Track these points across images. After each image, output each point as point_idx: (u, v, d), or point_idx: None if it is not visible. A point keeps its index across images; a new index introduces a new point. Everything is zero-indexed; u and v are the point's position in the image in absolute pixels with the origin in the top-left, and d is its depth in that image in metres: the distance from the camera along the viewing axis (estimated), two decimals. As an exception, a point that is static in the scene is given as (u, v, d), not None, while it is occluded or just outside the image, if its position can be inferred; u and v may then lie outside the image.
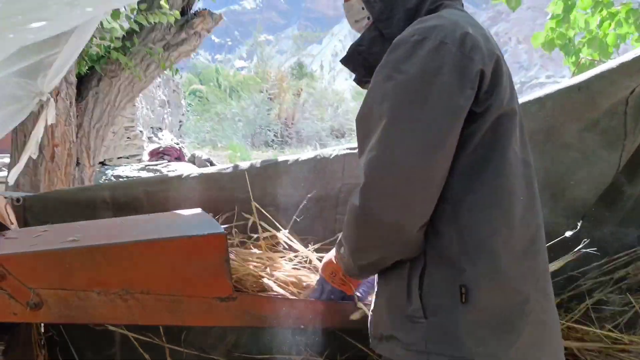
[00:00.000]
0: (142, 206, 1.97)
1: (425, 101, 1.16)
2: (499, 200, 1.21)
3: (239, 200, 1.99)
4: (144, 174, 4.88)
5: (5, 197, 1.88)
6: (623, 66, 2.05)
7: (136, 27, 3.96)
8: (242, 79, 20.09)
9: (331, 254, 1.57)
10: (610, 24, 2.73)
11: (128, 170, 4.87)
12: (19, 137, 3.94)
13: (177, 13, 3.97)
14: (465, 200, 1.21)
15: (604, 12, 2.73)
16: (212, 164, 5.50)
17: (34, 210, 1.93)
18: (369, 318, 1.44)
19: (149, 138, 7.21)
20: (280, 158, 2.08)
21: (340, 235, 1.45)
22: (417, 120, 1.16)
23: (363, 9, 1.37)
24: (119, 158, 6.05)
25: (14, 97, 3.59)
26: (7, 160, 6.89)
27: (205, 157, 5.57)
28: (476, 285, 1.18)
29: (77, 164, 4.11)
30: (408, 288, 1.25)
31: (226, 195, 1.99)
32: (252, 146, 16.47)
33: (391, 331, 1.30)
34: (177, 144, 8.90)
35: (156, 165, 5.07)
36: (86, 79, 4.14)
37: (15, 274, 1.37)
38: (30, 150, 3.76)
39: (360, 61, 1.40)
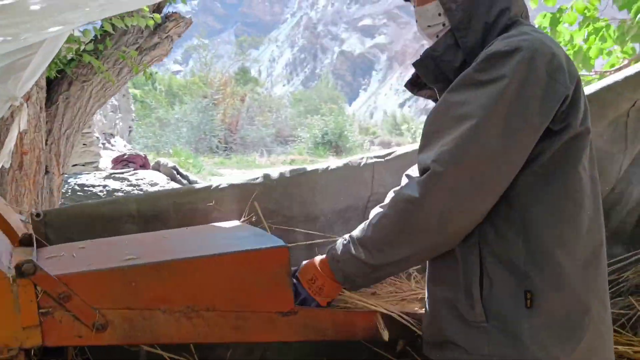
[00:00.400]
0: (170, 219, 1.89)
1: (508, 111, 1.21)
2: (568, 214, 1.27)
3: (270, 210, 1.96)
4: (111, 182, 4.68)
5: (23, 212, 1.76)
6: (628, 79, 2.18)
7: (111, 29, 3.81)
8: (183, 83, 19.68)
9: (315, 260, 1.53)
10: (595, 39, 2.92)
11: (93, 179, 4.65)
12: (-17, 144, 3.69)
13: (157, 16, 3.85)
14: (534, 210, 1.26)
15: (590, 27, 2.92)
16: (178, 172, 5.36)
17: (54, 225, 1.82)
18: (424, 323, 1.45)
19: (102, 144, 6.91)
20: (310, 167, 2.06)
21: (345, 237, 1.44)
22: (497, 127, 1.21)
23: (440, 15, 1.38)
24: (74, 165, 5.72)
25: (-16, 101, 3.38)
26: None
27: (170, 164, 5.40)
28: (541, 292, 1.23)
29: (46, 172, 3.91)
30: (467, 293, 1.28)
31: (258, 205, 1.95)
32: (196, 152, 16.15)
33: (451, 336, 1.32)
34: (130, 150, 8.61)
35: (122, 173, 4.87)
36: (56, 82, 3.93)
37: (80, 294, 1.28)
38: (3, 159, 3.54)
39: (432, 67, 1.42)
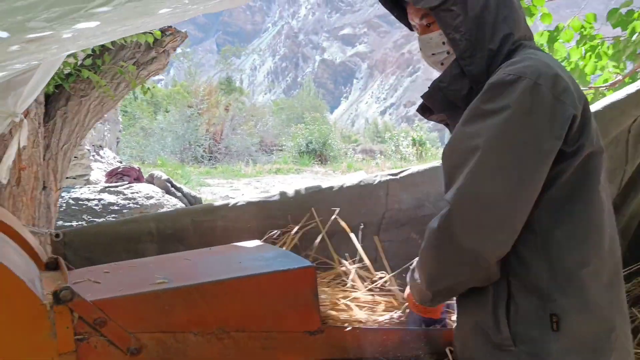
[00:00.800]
0: (189, 237, 1.91)
1: (516, 140, 1.23)
2: (589, 233, 1.29)
3: (286, 226, 1.98)
4: (106, 196, 4.65)
5: (41, 232, 1.76)
6: (630, 97, 2.24)
7: (109, 44, 3.80)
8: (167, 92, 19.60)
9: None
10: (591, 56, 3.01)
11: (87, 193, 4.60)
12: (-20, 160, 3.64)
13: (157, 33, 3.85)
14: (555, 232, 1.27)
15: (587, 45, 3.01)
16: (172, 185, 5.34)
17: (74, 245, 1.82)
18: (455, 346, 1.49)
19: (92, 156, 6.84)
20: (325, 184, 2.09)
21: (414, 262, 1.49)
22: (506, 158, 1.23)
23: (444, 43, 1.40)
24: (65, 178, 5.65)
25: (-17, 117, 3.35)
26: None
27: (164, 177, 5.36)
28: (567, 314, 1.24)
29: (44, 187, 3.87)
30: (495, 316, 1.30)
31: (274, 223, 1.97)
32: (181, 162, 16.06)
33: (480, 359, 1.35)
34: (120, 162, 8.54)
35: (117, 186, 4.84)
36: (54, 97, 3.90)
37: (116, 318, 1.29)
38: (2, 175, 3.50)
39: (440, 97, 1.45)
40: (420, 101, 1.56)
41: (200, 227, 1.91)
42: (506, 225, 1.25)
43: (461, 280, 1.33)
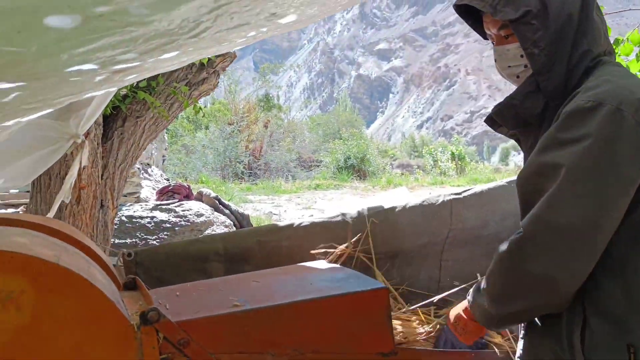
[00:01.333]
0: (255, 257, 1.93)
1: (598, 169, 1.19)
2: None
3: (350, 247, 1.99)
4: (158, 214, 4.76)
5: (116, 252, 1.81)
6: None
7: (164, 67, 3.91)
8: (207, 110, 19.98)
9: (459, 304, 1.59)
10: (651, 69, 2.95)
11: (140, 211, 4.73)
12: (42, 179, 3.79)
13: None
14: (633, 260, 1.23)
15: (647, 58, 2.95)
16: (221, 202, 5.43)
17: (144, 264, 1.86)
18: None
19: (142, 175, 7.03)
20: (387, 205, 2.09)
21: (481, 282, 1.47)
22: (587, 187, 1.19)
23: (522, 56, 1.37)
24: (118, 196, 5.84)
25: (47, 139, 3.49)
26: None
27: (212, 194, 5.46)
28: None
29: (101, 206, 3.99)
30: (569, 342, 1.26)
31: (338, 243, 1.98)
32: (222, 178, 16.29)
33: None
34: (167, 179, 8.74)
35: (168, 204, 4.95)
36: (111, 118, 4.04)
37: (197, 339, 1.32)
38: (64, 194, 3.63)
39: (511, 114, 1.42)
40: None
41: (266, 247, 1.93)
42: (584, 253, 1.21)
43: (532, 306, 1.30)
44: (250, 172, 17.92)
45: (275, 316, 1.39)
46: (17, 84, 1.28)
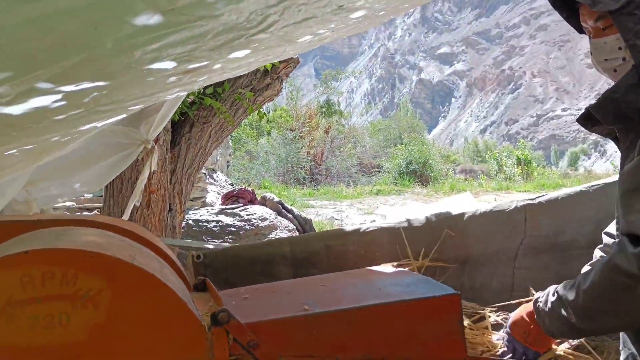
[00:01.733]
0: (322, 261, 1.92)
1: None
2: None
3: (417, 253, 1.94)
4: (223, 218, 4.87)
5: (185, 254, 1.85)
6: None
7: (230, 73, 3.98)
8: (270, 116, 20.32)
9: (521, 312, 1.53)
10: None
11: (206, 215, 4.86)
12: (115, 183, 3.94)
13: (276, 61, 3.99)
14: None
15: None
16: (284, 207, 5.49)
17: (214, 266, 1.89)
18: None
19: (207, 180, 7.23)
20: (455, 211, 2.03)
21: (551, 291, 1.40)
22: None
23: (620, 49, 1.30)
24: (185, 201, 6.05)
25: (120, 145, 3.62)
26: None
27: (276, 199, 5.53)
28: None
29: (169, 209, 4.10)
30: None
31: (405, 249, 1.94)
32: (284, 184, 16.51)
33: None
34: (232, 184, 8.95)
35: (233, 208, 5.06)
36: (179, 124, 4.16)
37: (266, 341, 1.31)
38: (135, 198, 3.75)
39: (611, 109, 1.34)
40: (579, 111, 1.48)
41: (333, 251, 1.92)
42: None
43: (631, 322, 1.24)
44: (312, 178, 18.05)
45: (345, 320, 1.37)
46: (93, 84, 1.31)
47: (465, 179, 21.38)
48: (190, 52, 1.20)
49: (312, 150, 18.92)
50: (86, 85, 1.29)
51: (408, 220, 1.99)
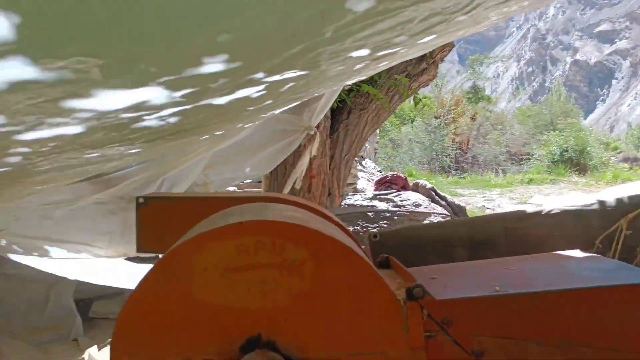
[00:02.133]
0: (500, 244, 1.87)
1: None
2: None
3: (608, 239, 1.81)
4: (377, 203, 4.96)
5: (360, 232, 1.90)
6: None
7: (387, 60, 4.01)
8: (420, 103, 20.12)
9: None
10: None
11: (360, 200, 4.99)
12: (279, 168, 4.16)
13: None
14: None
15: None
16: (437, 193, 5.43)
17: (389, 245, 1.92)
18: None
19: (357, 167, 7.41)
20: (653, 193, 1.86)
21: None
22: None
23: None
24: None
25: (285, 132, 3.80)
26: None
27: (428, 185, 5.50)
28: None
29: (329, 194, 4.24)
30: None
31: (593, 233, 1.82)
32: (429, 172, 16.27)
33: None
34: (380, 171, 9.05)
35: (386, 194, 5.13)
36: (337, 111, 4.28)
37: (460, 319, 1.31)
38: (292, 180, 3.95)
39: None
40: None
41: (513, 234, 1.85)
42: None
43: None
44: (457, 166, 17.57)
45: (541, 303, 1.32)
46: (296, 73, 1.38)
47: (631, 168, 19.43)
48: (390, 38, 1.22)
49: (458, 137, 18.39)
50: (289, 75, 1.37)
51: (600, 202, 1.85)
